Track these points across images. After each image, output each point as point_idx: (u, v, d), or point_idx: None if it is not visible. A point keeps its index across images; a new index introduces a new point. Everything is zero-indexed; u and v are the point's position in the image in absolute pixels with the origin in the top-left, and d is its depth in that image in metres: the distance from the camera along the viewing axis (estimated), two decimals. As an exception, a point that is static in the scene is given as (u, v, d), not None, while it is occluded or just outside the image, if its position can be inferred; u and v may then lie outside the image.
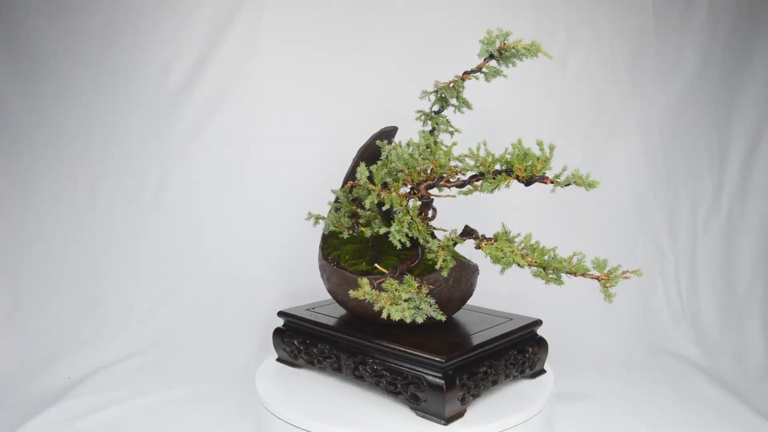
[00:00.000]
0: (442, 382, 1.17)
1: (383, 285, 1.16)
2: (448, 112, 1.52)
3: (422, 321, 1.12)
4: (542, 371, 1.47)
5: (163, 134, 2.21)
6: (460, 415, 1.21)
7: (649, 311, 2.26)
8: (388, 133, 1.53)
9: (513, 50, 1.31)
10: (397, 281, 1.18)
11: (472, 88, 2.32)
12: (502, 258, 1.15)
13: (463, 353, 1.23)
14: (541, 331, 1.49)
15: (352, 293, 1.13)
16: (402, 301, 1.11)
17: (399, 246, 1.24)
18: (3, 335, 2.05)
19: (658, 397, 1.78)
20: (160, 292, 2.20)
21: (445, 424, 1.18)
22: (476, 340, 1.30)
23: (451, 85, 1.44)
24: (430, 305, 1.14)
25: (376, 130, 1.55)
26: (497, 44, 1.32)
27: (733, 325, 2.19)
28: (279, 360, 1.60)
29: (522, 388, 1.39)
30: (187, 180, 2.24)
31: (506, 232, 1.25)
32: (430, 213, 1.34)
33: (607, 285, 1.09)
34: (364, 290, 1.12)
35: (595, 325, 2.21)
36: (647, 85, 2.31)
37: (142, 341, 2.10)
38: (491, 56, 1.35)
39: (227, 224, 2.25)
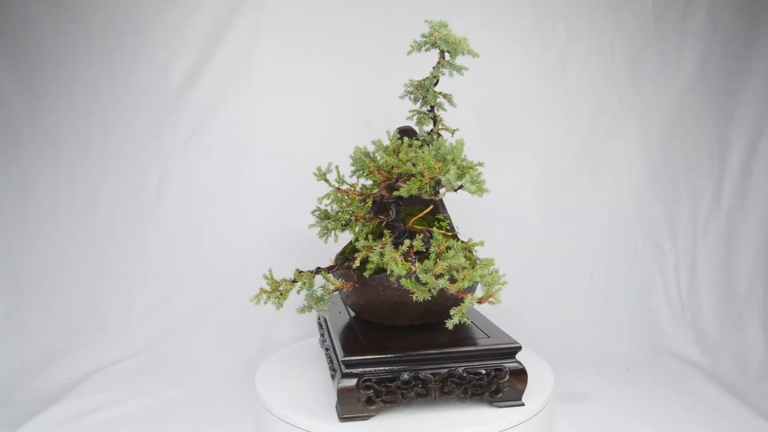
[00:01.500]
0: (340, 378, 1.21)
1: (298, 276, 1.25)
2: (448, 110, 1.53)
3: (301, 313, 1.25)
4: (516, 402, 1.28)
5: (163, 134, 2.21)
6: (362, 416, 1.21)
7: (649, 311, 2.26)
8: (406, 132, 1.54)
9: (441, 42, 1.33)
10: (311, 274, 1.27)
11: (473, 87, 2.32)
12: (381, 262, 1.17)
13: (367, 356, 1.21)
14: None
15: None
16: (274, 291, 1.23)
17: (325, 242, 1.33)
18: (3, 335, 2.05)
19: (658, 397, 1.78)
20: (160, 292, 2.20)
21: (339, 421, 1.21)
22: (409, 347, 1.25)
23: (424, 83, 1.46)
24: (313, 298, 1.24)
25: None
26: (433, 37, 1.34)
27: (733, 325, 2.19)
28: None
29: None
30: (187, 180, 2.24)
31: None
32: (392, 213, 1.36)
33: (464, 310, 1.07)
34: (269, 274, 1.24)
35: (595, 325, 2.21)
36: (647, 85, 2.31)
37: (142, 341, 2.10)
38: (442, 51, 1.37)
39: (227, 224, 2.25)
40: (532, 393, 1.35)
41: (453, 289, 1.08)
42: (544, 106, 2.30)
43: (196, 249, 2.23)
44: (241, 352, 2.06)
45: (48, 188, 2.19)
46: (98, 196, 2.21)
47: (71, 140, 2.18)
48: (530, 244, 2.28)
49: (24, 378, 1.89)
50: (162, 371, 1.96)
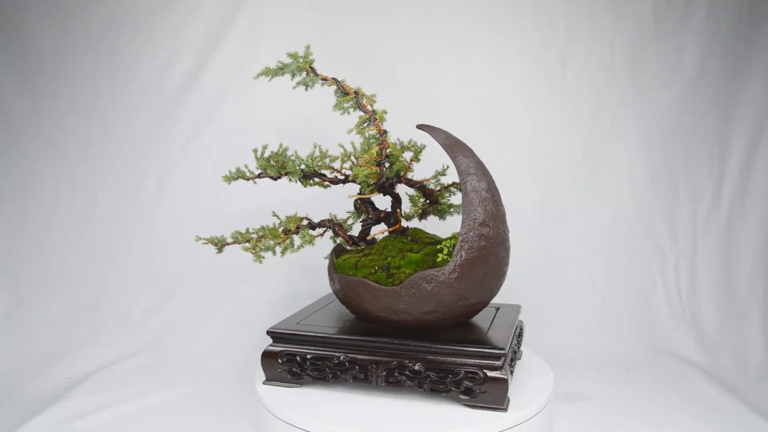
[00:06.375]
0: None
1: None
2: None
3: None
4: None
5: (163, 134, 2.21)
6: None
7: (649, 311, 2.26)
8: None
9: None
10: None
11: (474, 88, 2.32)
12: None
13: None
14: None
15: None
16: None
17: None
18: (3, 335, 2.05)
19: (658, 397, 1.78)
20: (160, 292, 2.20)
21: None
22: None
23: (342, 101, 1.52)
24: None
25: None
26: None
27: (733, 325, 2.19)
28: None
29: (522, 388, 1.39)
30: (187, 180, 2.24)
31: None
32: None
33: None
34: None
35: (595, 325, 2.21)
36: (647, 85, 2.30)
37: (142, 341, 2.10)
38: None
39: (227, 224, 2.24)
40: (532, 393, 1.36)
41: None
42: (544, 106, 2.30)
43: (195, 249, 2.23)
44: (241, 352, 2.06)
45: (48, 188, 2.19)
46: (98, 196, 2.21)
47: (71, 140, 2.18)
48: (530, 244, 2.28)
49: (24, 378, 1.89)
50: (162, 371, 1.96)
